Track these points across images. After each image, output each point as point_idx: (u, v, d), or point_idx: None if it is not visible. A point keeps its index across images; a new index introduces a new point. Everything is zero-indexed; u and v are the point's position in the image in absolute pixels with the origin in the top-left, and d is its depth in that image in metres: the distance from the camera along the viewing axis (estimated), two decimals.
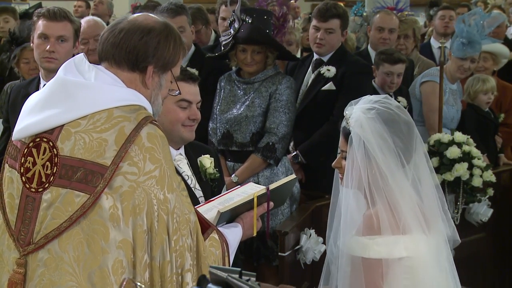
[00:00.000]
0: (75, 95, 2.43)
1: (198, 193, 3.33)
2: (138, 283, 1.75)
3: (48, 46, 4.05)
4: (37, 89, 4.11)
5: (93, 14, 8.88)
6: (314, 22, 5.12)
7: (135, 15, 2.60)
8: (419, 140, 2.77)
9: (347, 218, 2.73)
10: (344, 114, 2.77)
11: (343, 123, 2.77)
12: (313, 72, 5.08)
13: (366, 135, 2.67)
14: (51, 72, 4.06)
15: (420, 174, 2.75)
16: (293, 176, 3.30)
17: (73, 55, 3.99)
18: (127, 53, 2.49)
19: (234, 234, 2.82)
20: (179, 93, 2.72)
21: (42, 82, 4.17)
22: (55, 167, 2.40)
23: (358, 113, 2.71)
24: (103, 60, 2.53)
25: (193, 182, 3.35)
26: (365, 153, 2.67)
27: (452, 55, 5.67)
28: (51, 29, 4.08)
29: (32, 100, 2.54)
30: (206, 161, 3.43)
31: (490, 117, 6.06)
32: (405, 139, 2.70)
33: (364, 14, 8.02)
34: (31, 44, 4.25)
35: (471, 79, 6.03)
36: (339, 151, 2.83)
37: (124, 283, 1.77)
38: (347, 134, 2.73)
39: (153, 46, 2.50)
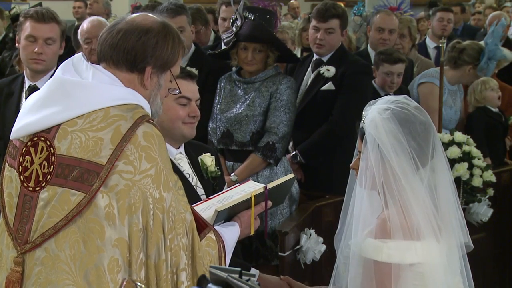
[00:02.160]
0: (72, 94, 2.43)
1: (200, 191, 3.34)
2: (138, 284, 1.75)
3: (36, 48, 4.06)
4: (22, 88, 4.16)
5: (89, 14, 8.89)
6: (313, 22, 5.12)
7: (134, 15, 2.60)
8: (439, 143, 2.72)
9: (360, 218, 2.71)
10: (362, 114, 2.74)
11: (361, 124, 2.75)
12: (312, 72, 5.08)
13: (380, 135, 2.63)
14: (37, 73, 4.10)
15: (438, 178, 2.70)
16: (292, 175, 3.30)
17: (59, 56, 4.03)
18: (125, 53, 2.49)
19: (231, 233, 2.82)
20: (179, 92, 2.72)
21: (27, 82, 4.19)
22: (52, 166, 2.40)
23: (374, 113, 2.67)
24: (102, 61, 2.54)
25: (194, 180, 3.35)
26: (379, 154, 2.63)
27: (480, 73, 5.70)
28: (39, 31, 4.09)
29: (31, 99, 2.55)
30: (207, 159, 3.44)
31: (500, 119, 6.05)
32: (420, 140, 2.65)
33: (364, 14, 8.02)
34: (17, 45, 4.24)
35: (471, 87, 6.03)
36: (356, 152, 2.80)
37: (124, 283, 1.77)
38: (363, 134, 2.71)
39: (151, 46, 2.50)
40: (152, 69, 2.52)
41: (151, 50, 2.50)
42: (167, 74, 2.58)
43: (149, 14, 2.60)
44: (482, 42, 5.89)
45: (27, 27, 4.10)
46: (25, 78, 4.20)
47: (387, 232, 2.60)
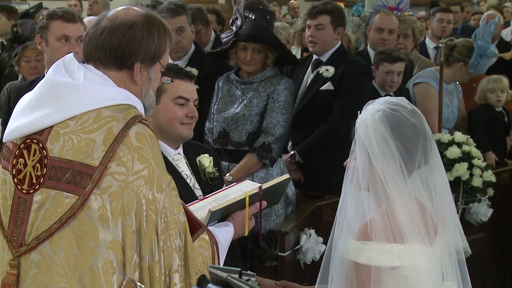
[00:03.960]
0: (64, 95, 2.42)
1: (198, 192, 3.33)
2: (138, 283, 1.75)
3: (72, 48, 3.98)
4: None
5: (89, 15, 8.87)
6: (307, 22, 5.17)
7: (116, 10, 2.54)
8: (434, 146, 2.68)
9: (345, 219, 2.69)
10: (358, 113, 2.72)
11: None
12: (312, 72, 5.07)
13: (368, 137, 2.61)
14: None
15: (434, 183, 2.66)
16: (287, 175, 3.28)
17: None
18: (112, 53, 2.46)
19: (225, 233, 2.81)
20: (172, 81, 2.70)
21: None
22: (45, 169, 2.39)
23: (367, 113, 2.65)
24: (89, 62, 2.52)
25: (192, 181, 3.35)
26: (367, 155, 2.61)
27: (473, 71, 5.70)
28: (72, 31, 4.06)
29: (23, 101, 2.54)
30: (205, 160, 3.43)
31: (502, 118, 6.04)
32: (409, 144, 2.61)
33: (363, 14, 8.01)
34: (39, 47, 4.18)
35: (482, 80, 6.04)
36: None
37: (124, 282, 1.77)
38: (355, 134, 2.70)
39: (137, 41, 2.47)
40: (141, 64, 2.49)
41: (138, 46, 2.47)
42: (157, 66, 2.55)
43: (131, 7, 2.55)
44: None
45: (57, 28, 4.04)
46: None
47: (369, 234, 2.58)
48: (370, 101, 2.73)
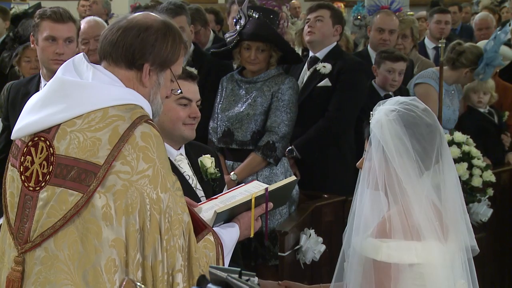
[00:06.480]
0: (71, 94, 2.45)
1: (200, 193, 3.34)
2: (138, 283, 1.75)
3: (58, 49, 4.03)
4: (38, 88, 4.12)
5: (88, 15, 8.87)
6: (307, 16, 5.26)
7: (136, 14, 2.60)
8: (445, 145, 2.70)
9: (362, 218, 2.70)
10: (370, 114, 2.74)
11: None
12: (308, 70, 5.09)
13: (384, 137, 2.62)
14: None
15: (445, 180, 2.69)
16: (294, 177, 3.29)
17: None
18: (124, 50, 2.49)
19: (230, 234, 2.81)
20: (181, 92, 2.72)
21: (43, 81, 4.16)
22: (51, 166, 2.42)
23: (381, 114, 2.66)
24: (102, 59, 2.55)
25: (194, 182, 3.35)
26: (383, 155, 2.63)
27: (477, 78, 5.72)
28: (59, 31, 4.07)
29: (32, 99, 2.56)
30: (207, 161, 3.43)
31: (490, 118, 6.03)
32: (425, 143, 2.63)
33: (363, 15, 7.99)
34: (32, 46, 4.21)
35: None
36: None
37: (124, 283, 1.78)
38: (369, 134, 2.71)
39: (150, 43, 2.50)
40: (151, 67, 2.51)
41: (150, 47, 2.50)
42: (167, 73, 2.57)
43: (151, 13, 2.60)
44: (480, 43, 5.89)
45: (46, 28, 4.06)
46: (41, 78, 4.17)
47: (387, 232, 2.61)
48: (381, 101, 2.74)
